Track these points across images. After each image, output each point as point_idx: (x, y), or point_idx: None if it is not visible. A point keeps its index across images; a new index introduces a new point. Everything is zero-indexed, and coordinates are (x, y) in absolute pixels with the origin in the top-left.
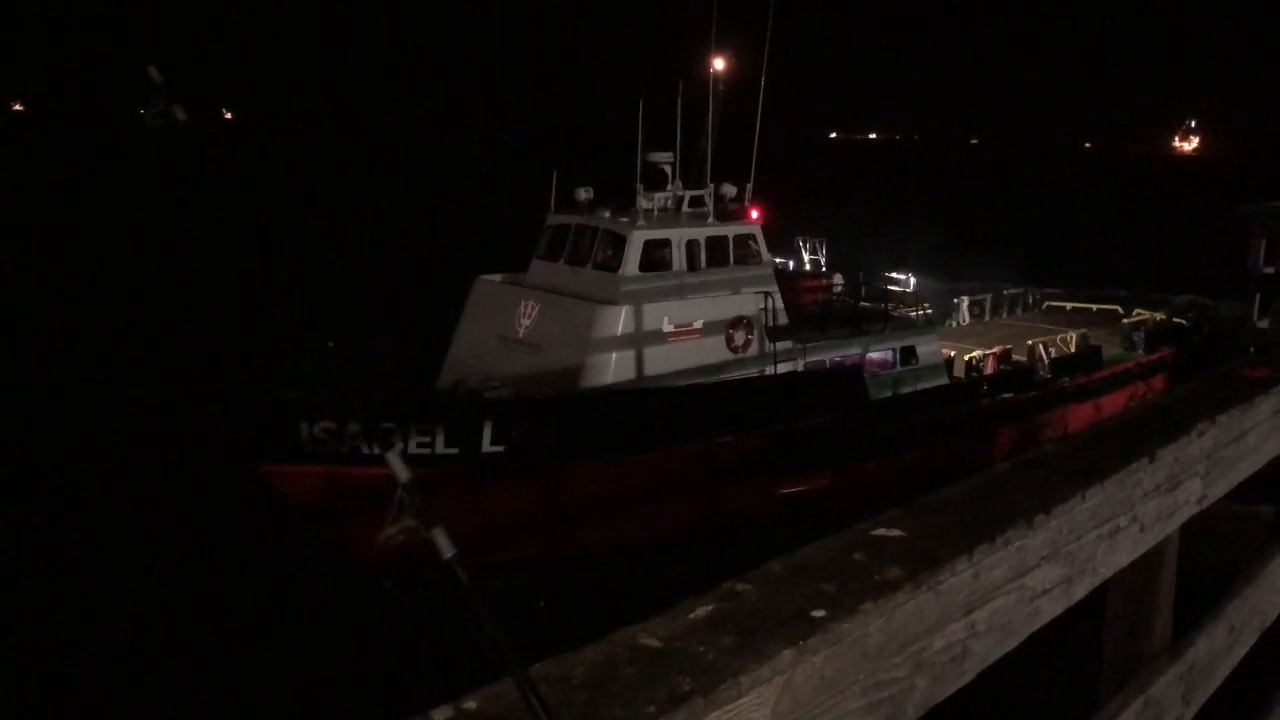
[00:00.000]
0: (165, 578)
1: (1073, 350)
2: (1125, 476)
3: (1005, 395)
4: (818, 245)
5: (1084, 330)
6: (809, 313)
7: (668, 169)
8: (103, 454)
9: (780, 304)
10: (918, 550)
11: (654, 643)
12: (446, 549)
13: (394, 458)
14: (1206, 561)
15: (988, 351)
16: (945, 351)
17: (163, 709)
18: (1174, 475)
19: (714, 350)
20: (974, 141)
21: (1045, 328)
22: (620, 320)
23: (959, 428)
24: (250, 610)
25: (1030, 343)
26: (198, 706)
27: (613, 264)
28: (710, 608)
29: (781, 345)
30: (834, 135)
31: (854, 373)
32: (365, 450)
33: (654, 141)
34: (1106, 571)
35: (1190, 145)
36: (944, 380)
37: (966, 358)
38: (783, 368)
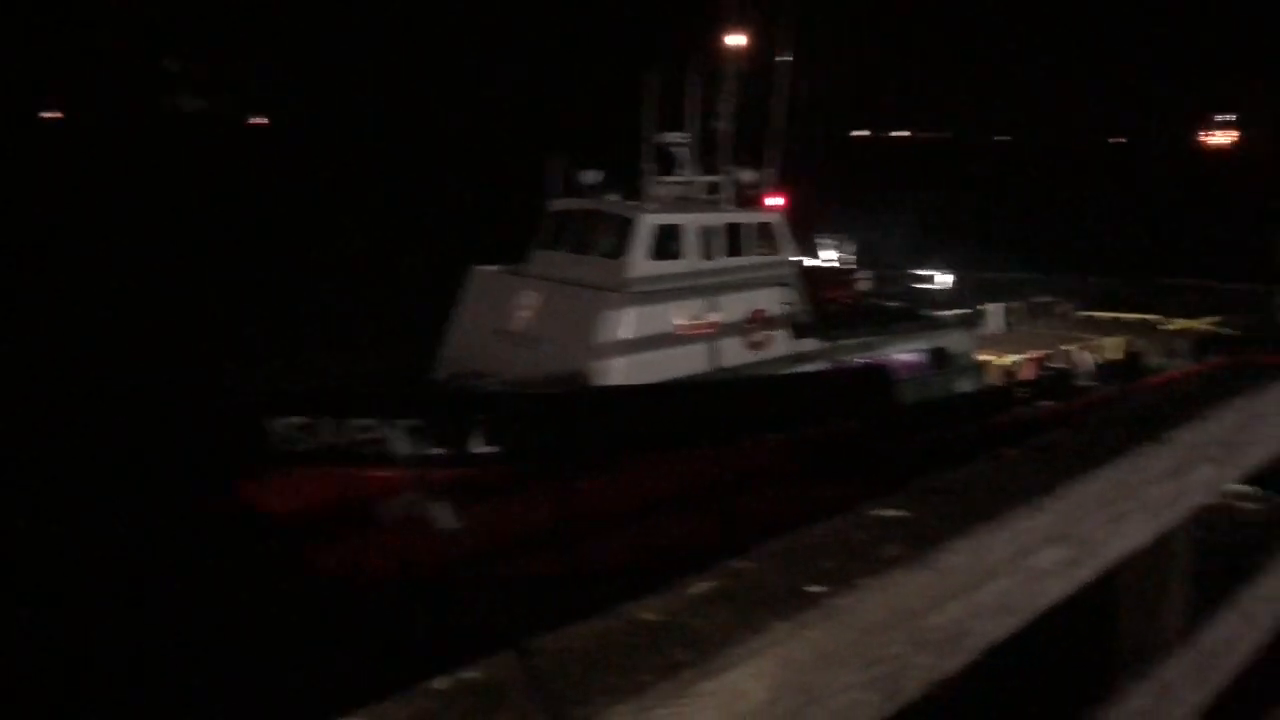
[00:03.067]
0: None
1: (1117, 357)
2: (1133, 460)
3: (1045, 402)
4: (842, 243)
5: (1129, 337)
6: (835, 311)
7: (681, 152)
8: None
9: (804, 299)
10: (919, 530)
11: (651, 616)
12: (447, 519)
13: (396, 431)
14: (1225, 546)
15: (1025, 356)
16: (981, 356)
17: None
18: (1184, 460)
19: (731, 347)
20: (1001, 139)
21: (1081, 336)
22: (627, 311)
23: (996, 435)
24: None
25: (1066, 349)
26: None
27: (619, 251)
28: (709, 584)
29: (806, 343)
30: (858, 133)
31: (884, 374)
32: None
33: (667, 123)
34: (1113, 555)
35: (1220, 139)
36: (979, 385)
37: (1003, 362)
38: (808, 367)
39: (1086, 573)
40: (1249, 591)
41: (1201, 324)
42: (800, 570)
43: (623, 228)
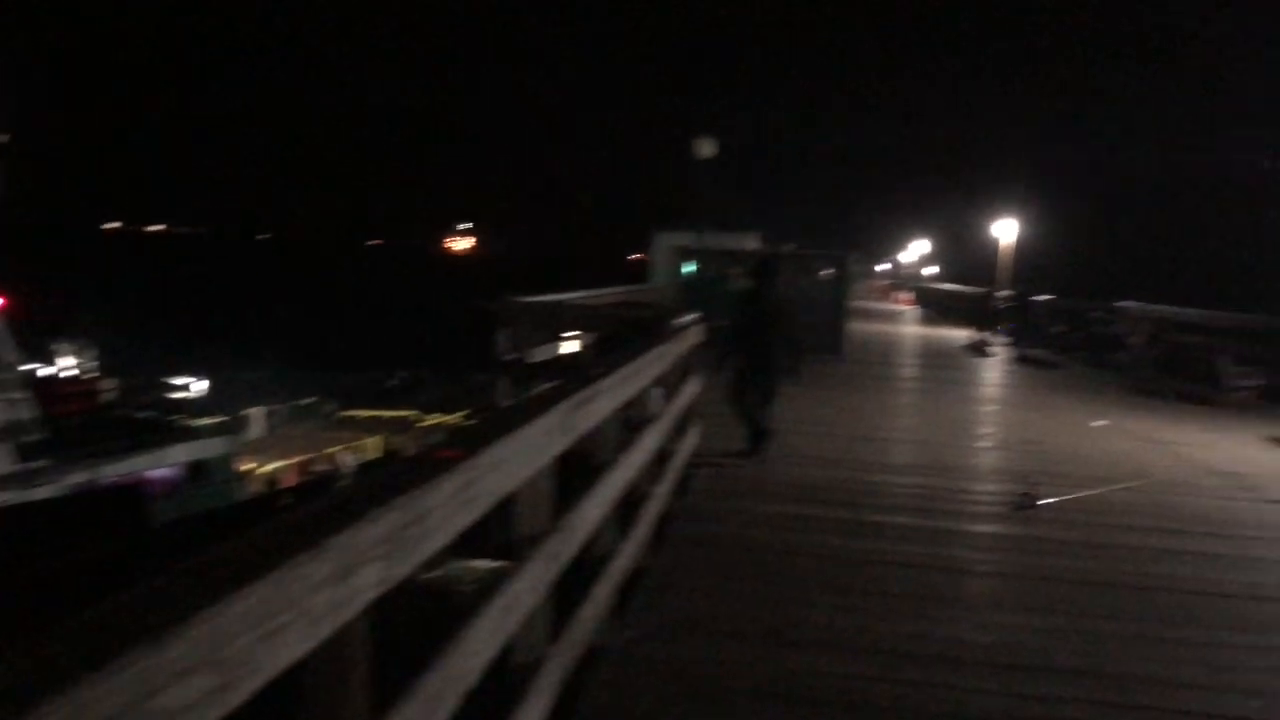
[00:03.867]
0: None
1: (378, 455)
2: (289, 572)
3: (311, 507)
4: (82, 348)
5: (387, 434)
6: (73, 424)
7: None
8: None
9: (33, 414)
10: (4, 689)
11: None
12: None
13: None
14: (413, 633)
15: (288, 462)
16: (242, 465)
17: None
18: (348, 563)
19: None
20: (263, 237)
21: (345, 435)
22: None
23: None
24: None
25: (330, 451)
26: None
27: None
28: None
29: (34, 464)
30: (112, 225)
31: (134, 493)
32: None
33: None
34: (273, 670)
35: (463, 245)
36: (242, 496)
37: (264, 469)
38: (39, 492)
39: (241, 695)
40: (433, 674)
41: (453, 418)
42: None
43: None
